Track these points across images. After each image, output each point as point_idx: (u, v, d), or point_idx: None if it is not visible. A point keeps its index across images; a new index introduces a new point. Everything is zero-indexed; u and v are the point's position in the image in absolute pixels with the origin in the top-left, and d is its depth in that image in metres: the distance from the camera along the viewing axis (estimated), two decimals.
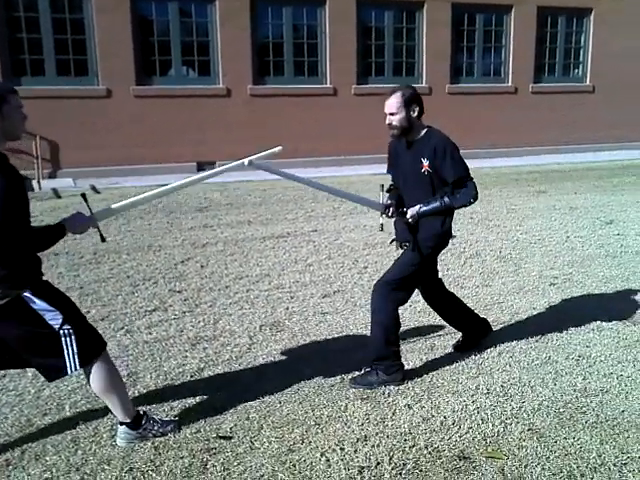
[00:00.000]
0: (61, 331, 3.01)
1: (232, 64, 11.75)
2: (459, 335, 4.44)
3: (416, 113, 3.78)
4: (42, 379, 3.91)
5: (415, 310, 5.11)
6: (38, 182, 10.37)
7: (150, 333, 4.68)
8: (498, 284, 5.72)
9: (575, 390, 3.78)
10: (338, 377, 3.97)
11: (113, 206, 3.45)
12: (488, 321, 4.50)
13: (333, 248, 6.91)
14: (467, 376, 3.98)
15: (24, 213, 2.95)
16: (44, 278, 3.18)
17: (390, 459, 3.13)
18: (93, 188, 10.03)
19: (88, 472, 3.03)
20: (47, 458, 3.14)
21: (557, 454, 3.15)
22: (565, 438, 3.28)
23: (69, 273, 6.06)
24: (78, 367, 3.09)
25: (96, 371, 3.16)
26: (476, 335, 4.39)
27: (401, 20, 12.96)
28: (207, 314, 5.05)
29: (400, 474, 3.01)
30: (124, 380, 3.90)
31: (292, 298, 5.41)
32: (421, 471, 3.04)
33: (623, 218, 8.21)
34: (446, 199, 3.80)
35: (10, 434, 3.35)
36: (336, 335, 4.66)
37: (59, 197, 9.65)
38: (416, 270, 3.91)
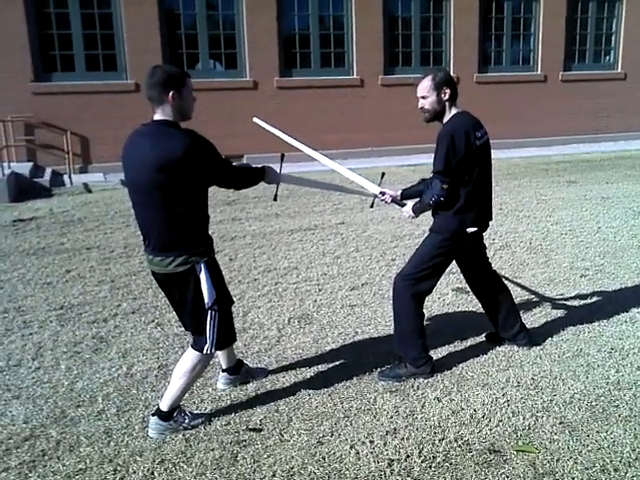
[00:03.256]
0: (210, 311, 3.22)
1: (259, 57, 11.76)
2: (488, 328, 4.40)
3: (447, 96, 3.72)
4: (75, 371, 4.01)
5: (444, 302, 5.09)
6: (69, 177, 10.51)
7: (180, 326, 4.69)
8: (528, 276, 5.66)
9: (608, 383, 3.73)
10: (367, 370, 3.97)
11: (296, 176, 3.93)
12: (529, 332, 4.31)
13: (361, 240, 6.90)
14: (497, 369, 3.95)
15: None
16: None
17: (420, 452, 3.12)
18: (123, 183, 10.13)
19: (121, 463, 3.08)
20: (81, 449, 3.20)
21: (590, 448, 3.11)
22: (598, 432, 3.24)
23: (100, 267, 6.14)
24: (213, 350, 3.29)
25: (204, 359, 3.31)
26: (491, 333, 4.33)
27: (428, 9, 12.83)
28: (236, 307, 5.06)
29: (430, 467, 3.01)
30: (155, 372, 3.97)
31: (320, 291, 5.42)
32: (451, 464, 3.02)
33: None
34: (424, 197, 3.78)
35: (45, 425, 3.41)
36: (364, 327, 4.66)
37: (90, 192, 9.78)
38: (435, 263, 3.86)
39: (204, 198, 3.22)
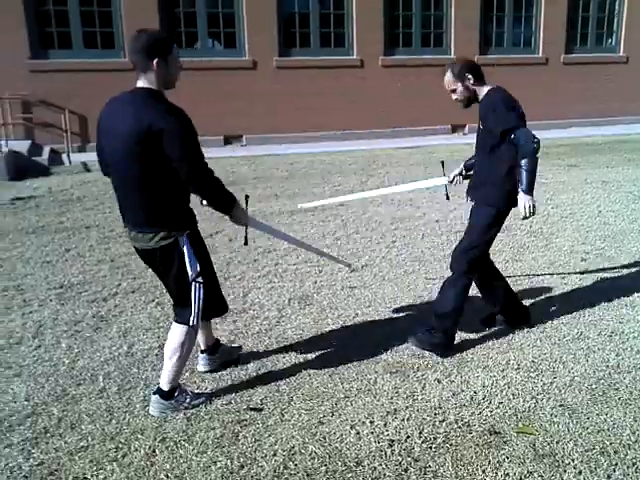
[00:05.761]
0: (193, 283, 3.21)
1: (258, 36, 11.65)
2: (488, 310, 4.40)
3: (472, 80, 3.81)
4: (76, 350, 4.02)
5: None
6: (68, 156, 10.45)
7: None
8: (528, 259, 5.66)
9: (608, 366, 3.74)
10: (367, 351, 3.98)
11: (265, 223, 3.62)
12: (528, 311, 4.38)
13: (361, 222, 6.88)
14: (497, 351, 3.96)
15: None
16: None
17: (420, 433, 3.14)
18: None
19: (122, 441, 3.09)
20: (83, 427, 3.21)
21: (590, 430, 3.13)
22: (598, 414, 3.26)
23: (100, 246, 6.13)
24: (197, 322, 3.27)
25: (191, 331, 3.27)
26: (513, 320, 4.31)
27: None
28: (236, 287, 5.08)
29: (430, 448, 3.02)
30: (155, 351, 3.97)
31: (320, 272, 5.42)
32: (451, 445, 3.04)
33: None
34: (522, 160, 3.69)
35: (47, 403, 3.42)
36: (364, 309, 4.66)
37: (89, 171, 9.73)
38: (491, 235, 3.94)
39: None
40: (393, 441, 3.08)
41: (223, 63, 11.54)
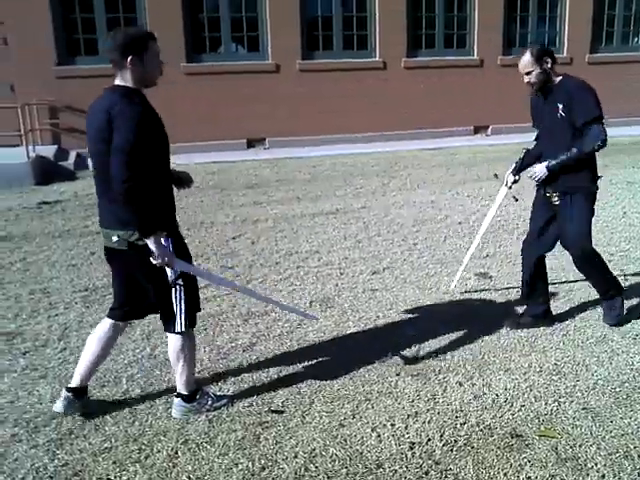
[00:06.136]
0: (175, 286, 3.14)
1: (281, 39, 11.69)
2: (511, 313, 4.39)
3: (549, 64, 3.91)
4: None
5: (466, 287, 5.07)
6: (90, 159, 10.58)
7: (203, 308, 4.72)
8: (551, 260, 5.60)
9: (632, 369, 3.70)
10: (388, 353, 3.98)
11: (191, 267, 3.31)
12: (551, 312, 4.43)
13: (382, 225, 6.88)
14: (519, 354, 3.94)
15: (153, 154, 3.00)
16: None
17: (441, 436, 3.13)
18: None
19: (145, 443, 3.13)
20: (106, 428, 3.25)
21: (613, 434, 3.10)
22: (622, 418, 3.22)
23: None
24: (185, 327, 3.20)
25: (185, 337, 3.25)
26: (536, 314, 4.32)
27: None
28: (258, 290, 5.11)
29: (451, 451, 3.02)
30: None
31: (342, 275, 5.43)
32: (473, 448, 3.03)
33: None
34: (573, 149, 3.89)
35: None
36: (386, 312, 4.65)
37: None
38: (592, 216, 4.10)
39: (157, 169, 3.05)
40: (414, 444, 3.08)
41: (246, 67, 11.60)
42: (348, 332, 4.34)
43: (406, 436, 3.14)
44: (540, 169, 4.02)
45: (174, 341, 3.26)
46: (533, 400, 3.42)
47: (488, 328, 4.31)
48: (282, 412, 3.38)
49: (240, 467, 2.94)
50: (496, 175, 4.55)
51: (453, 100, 12.37)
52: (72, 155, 10.55)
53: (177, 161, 10.87)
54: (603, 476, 2.81)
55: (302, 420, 3.30)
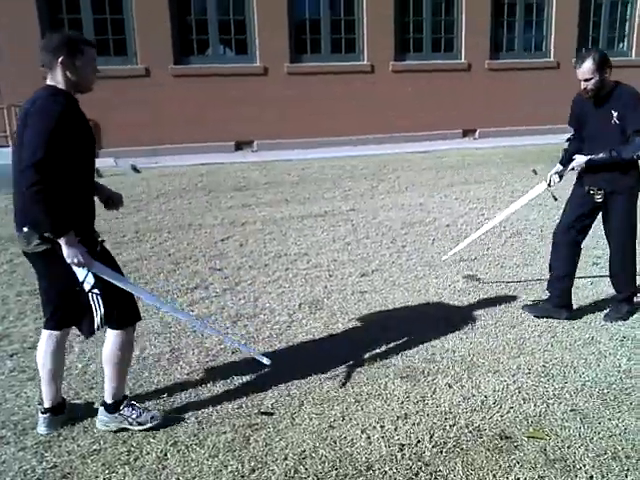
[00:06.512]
0: (90, 294, 3.02)
1: (269, 42, 11.69)
2: (499, 315, 4.42)
3: (608, 74, 4.03)
4: (88, 354, 4.04)
5: (455, 289, 5.09)
6: None
7: (192, 310, 4.75)
8: (539, 263, 5.64)
9: (619, 371, 3.73)
10: (377, 355, 3.98)
11: (112, 273, 3.18)
12: (572, 305, 4.55)
13: (371, 227, 6.89)
14: (508, 356, 3.96)
15: (70, 156, 2.89)
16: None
17: (431, 437, 3.14)
18: (134, 168, 10.14)
19: (134, 445, 3.11)
20: (95, 430, 3.23)
21: (601, 435, 3.12)
22: (609, 419, 3.25)
23: (112, 251, 6.14)
24: (102, 325, 3.10)
25: (118, 339, 3.17)
26: (554, 302, 4.47)
27: None
28: (247, 292, 5.10)
29: (441, 452, 3.02)
30: (167, 356, 3.99)
31: (330, 277, 5.43)
32: (462, 450, 3.04)
33: None
34: (613, 152, 4.04)
35: None
36: (375, 314, 4.66)
37: (100, 176, 9.76)
38: (636, 213, 4.31)
39: (73, 173, 2.95)
40: (403, 445, 3.08)
41: (234, 69, 11.58)
42: (338, 334, 4.34)
43: (396, 438, 3.14)
44: (581, 159, 4.20)
45: (107, 342, 3.19)
46: (522, 402, 3.43)
47: (477, 330, 4.33)
48: (272, 414, 3.37)
49: (230, 469, 2.93)
50: (535, 171, 4.67)
51: (441, 103, 12.43)
52: None
53: (166, 163, 10.88)
54: (591, 477, 2.83)
55: (292, 422, 3.30)
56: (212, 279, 5.38)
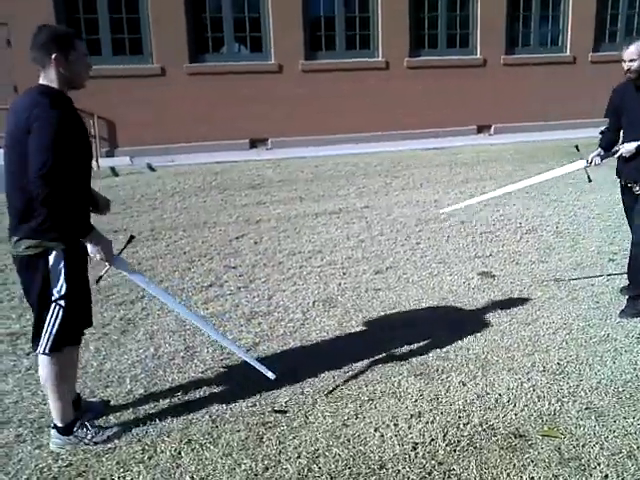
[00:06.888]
0: (54, 304, 2.93)
1: (284, 40, 11.70)
2: (514, 312, 4.40)
3: None
4: (104, 353, 4.07)
5: (469, 286, 5.06)
6: (96, 160, 10.59)
7: (207, 308, 4.77)
8: (555, 260, 5.61)
9: (635, 369, 3.70)
10: (391, 353, 3.98)
11: (129, 267, 3.36)
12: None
13: (385, 224, 6.88)
14: (522, 353, 3.94)
15: (73, 158, 2.86)
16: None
17: (444, 436, 3.13)
18: (149, 166, 10.21)
19: (149, 443, 3.13)
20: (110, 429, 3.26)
21: (616, 434, 3.09)
22: (625, 417, 3.22)
23: (127, 249, 6.19)
24: (47, 349, 2.95)
25: (54, 360, 3.00)
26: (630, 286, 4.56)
27: None
28: (261, 290, 5.12)
29: (454, 451, 3.01)
30: (181, 354, 4.02)
31: (344, 274, 5.43)
32: (475, 448, 3.03)
33: None
34: None
35: None
36: (389, 311, 4.66)
37: (117, 175, 9.86)
38: None
39: (74, 175, 2.88)
40: (417, 444, 3.08)
41: (249, 67, 11.62)
42: (351, 332, 4.34)
43: (409, 436, 3.14)
44: (630, 145, 4.33)
45: (41, 367, 3.03)
46: (536, 400, 3.41)
47: (491, 327, 4.31)
48: (285, 412, 3.38)
49: (243, 467, 2.94)
50: (577, 147, 4.68)
51: (456, 100, 12.37)
52: None
53: (182, 161, 10.93)
54: (606, 476, 2.81)
55: (305, 420, 3.30)
56: (227, 277, 5.40)
